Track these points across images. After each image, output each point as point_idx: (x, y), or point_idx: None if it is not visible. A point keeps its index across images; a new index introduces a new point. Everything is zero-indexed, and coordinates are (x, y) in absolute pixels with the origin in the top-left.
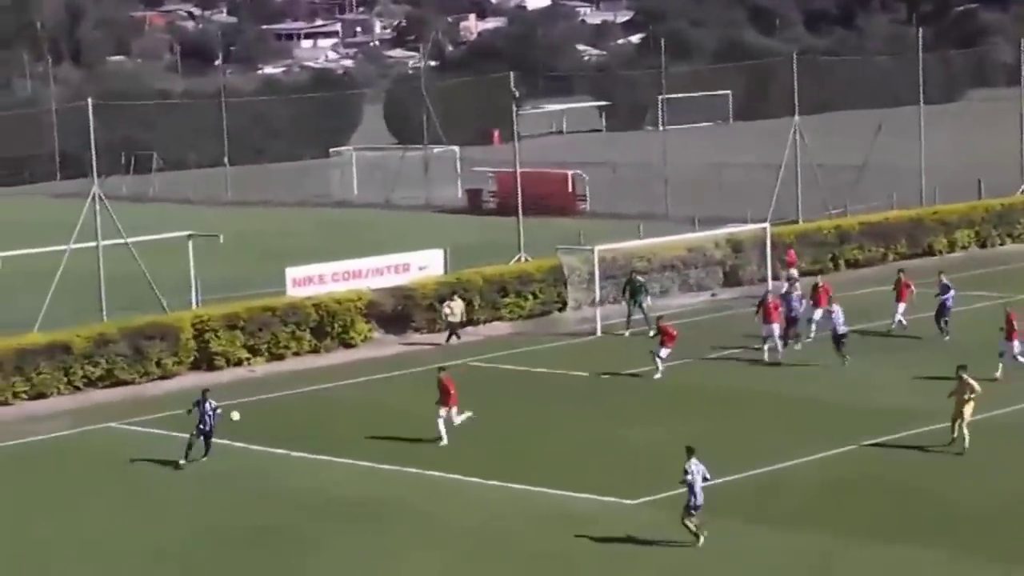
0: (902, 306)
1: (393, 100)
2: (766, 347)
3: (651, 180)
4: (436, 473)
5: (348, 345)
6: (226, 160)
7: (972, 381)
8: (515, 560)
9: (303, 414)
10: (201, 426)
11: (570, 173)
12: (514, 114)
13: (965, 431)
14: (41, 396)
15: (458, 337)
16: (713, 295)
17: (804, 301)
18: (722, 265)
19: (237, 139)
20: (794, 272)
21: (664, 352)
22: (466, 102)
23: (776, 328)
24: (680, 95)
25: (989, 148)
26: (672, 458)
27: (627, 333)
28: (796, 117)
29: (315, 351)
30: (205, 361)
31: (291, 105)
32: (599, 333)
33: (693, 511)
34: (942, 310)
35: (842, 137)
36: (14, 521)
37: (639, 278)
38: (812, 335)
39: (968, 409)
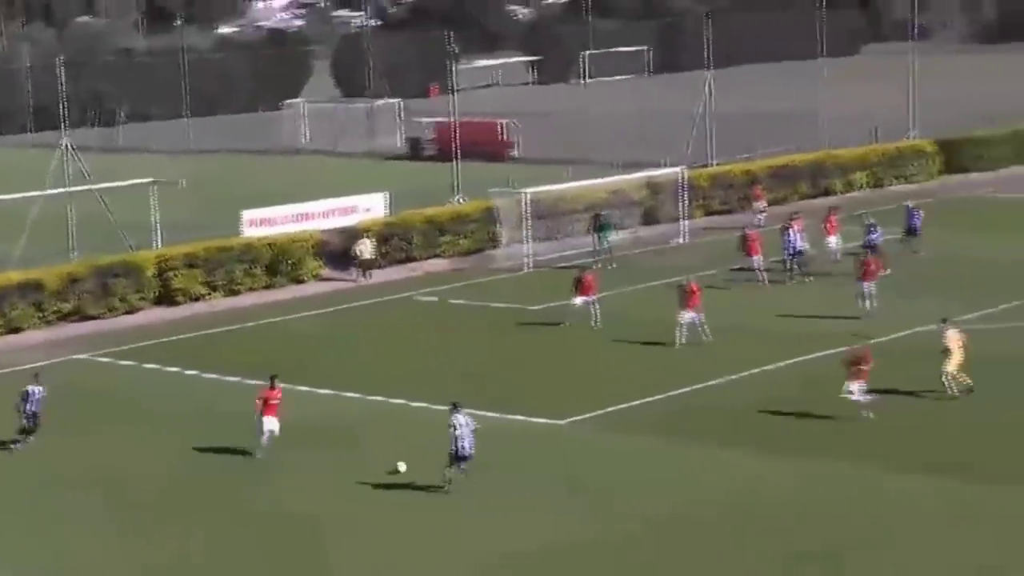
0: (833, 239)
1: (340, 56)
2: (760, 277)
3: (577, 128)
4: (379, 398)
5: (299, 281)
6: (186, 112)
7: (951, 333)
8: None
9: (258, 345)
10: (29, 408)
11: (502, 122)
12: (451, 68)
13: (946, 380)
14: (16, 330)
15: (370, 275)
16: (634, 232)
17: (802, 233)
18: (642, 205)
19: (196, 93)
20: (760, 205)
21: (579, 300)
22: (407, 58)
23: (759, 260)
24: (603, 50)
25: (883, 98)
26: (598, 381)
27: (595, 266)
28: (709, 70)
29: (269, 287)
30: (167, 297)
31: (246, 61)
32: (529, 268)
33: (458, 461)
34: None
35: (750, 87)
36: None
37: (606, 214)
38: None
39: (951, 361)
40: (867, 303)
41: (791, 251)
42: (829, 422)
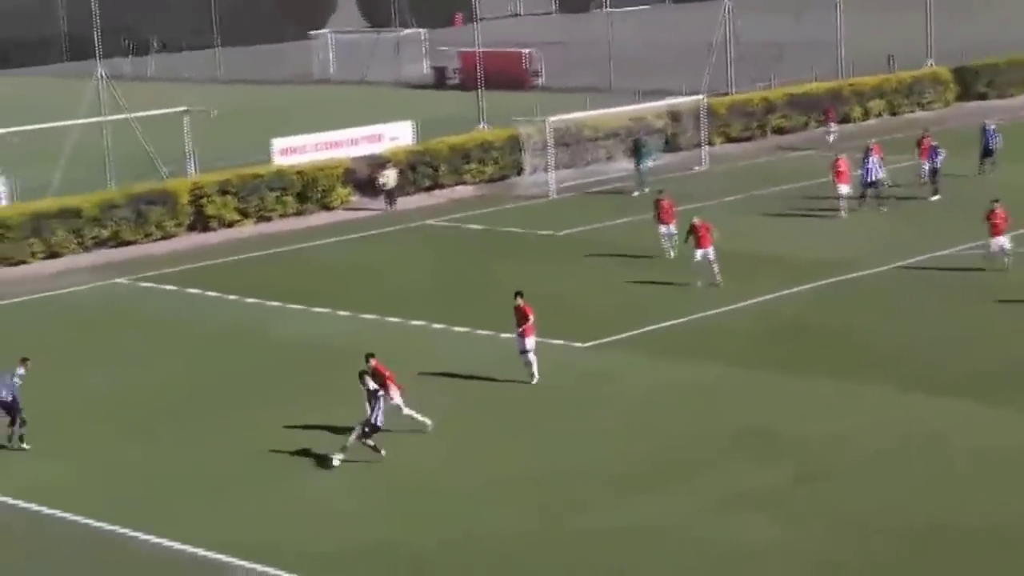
0: (927, 164)
1: None
2: (842, 205)
3: (598, 57)
4: (410, 321)
5: (328, 208)
6: (217, 42)
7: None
8: (490, 396)
9: (289, 270)
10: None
11: (525, 51)
12: None
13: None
14: (55, 256)
15: (394, 203)
16: (655, 160)
17: (881, 160)
18: (662, 133)
19: (227, 23)
20: (833, 126)
21: (663, 228)
22: None
23: (846, 188)
24: None
25: (901, 26)
26: (618, 308)
27: (636, 193)
28: None
29: (299, 214)
30: (200, 223)
31: None
32: (553, 195)
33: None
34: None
35: (768, 16)
36: (52, 366)
37: (644, 139)
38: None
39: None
40: (1005, 259)
41: (869, 179)
42: (836, 346)
